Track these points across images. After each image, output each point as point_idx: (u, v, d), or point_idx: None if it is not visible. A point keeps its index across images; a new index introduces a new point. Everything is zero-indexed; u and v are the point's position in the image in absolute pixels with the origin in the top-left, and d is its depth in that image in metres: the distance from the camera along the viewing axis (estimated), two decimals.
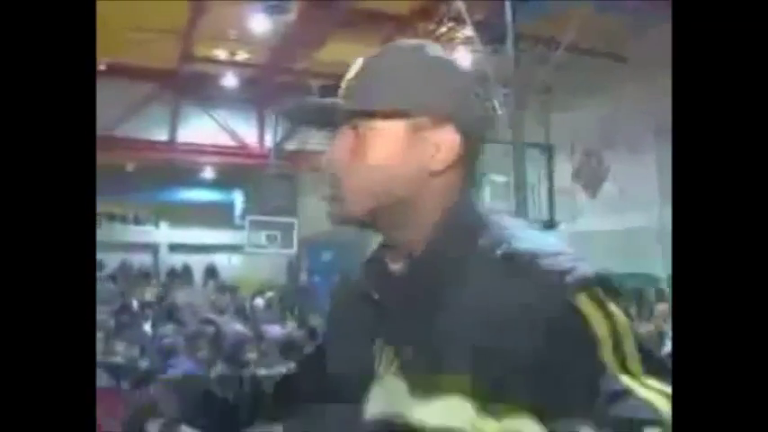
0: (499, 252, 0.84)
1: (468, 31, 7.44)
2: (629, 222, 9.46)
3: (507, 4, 6.29)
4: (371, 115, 0.88)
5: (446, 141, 0.87)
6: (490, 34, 6.82)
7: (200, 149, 12.11)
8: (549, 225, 7.34)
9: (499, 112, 6.33)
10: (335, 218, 0.96)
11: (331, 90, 0.96)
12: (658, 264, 8.91)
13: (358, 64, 0.92)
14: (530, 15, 7.15)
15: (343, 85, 0.93)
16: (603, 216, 9.79)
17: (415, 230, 0.91)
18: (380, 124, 0.88)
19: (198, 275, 15.67)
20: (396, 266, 0.95)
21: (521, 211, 6.22)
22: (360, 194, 0.90)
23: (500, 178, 6.86)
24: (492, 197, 7.65)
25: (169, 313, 8.24)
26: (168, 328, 5.30)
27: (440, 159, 0.87)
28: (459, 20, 7.94)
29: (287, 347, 4.15)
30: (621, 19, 8.33)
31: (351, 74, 0.92)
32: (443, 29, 9.07)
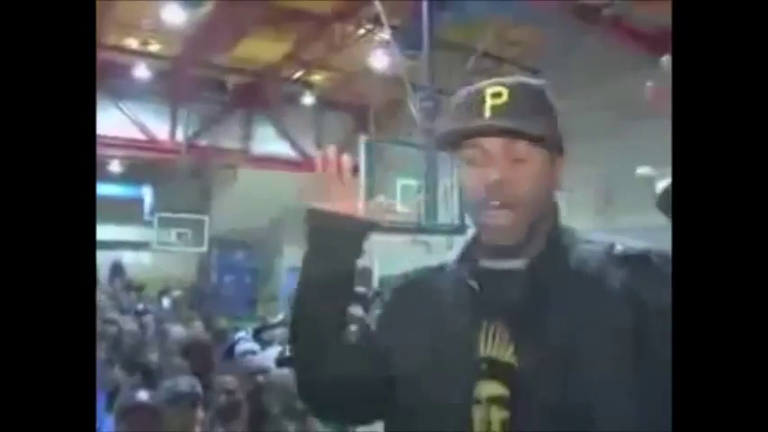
0: (618, 250, 1.02)
1: (385, 35, 7.46)
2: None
3: (425, 10, 6.35)
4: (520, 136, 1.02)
5: (561, 162, 1.07)
6: (407, 39, 6.86)
7: (108, 142, 11.65)
8: (460, 229, 7.44)
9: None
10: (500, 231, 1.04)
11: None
12: None
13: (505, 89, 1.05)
14: (447, 22, 7.25)
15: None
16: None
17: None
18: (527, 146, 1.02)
19: (103, 273, 15.09)
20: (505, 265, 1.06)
21: (430, 214, 6.29)
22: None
23: (411, 182, 6.91)
24: (402, 200, 7.70)
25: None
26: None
27: (560, 178, 1.07)
28: (377, 22, 7.96)
29: (189, 349, 4.03)
30: (537, 30, 8.56)
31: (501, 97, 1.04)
32: (362, 31, 9.08)
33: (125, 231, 15.04)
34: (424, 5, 6.44)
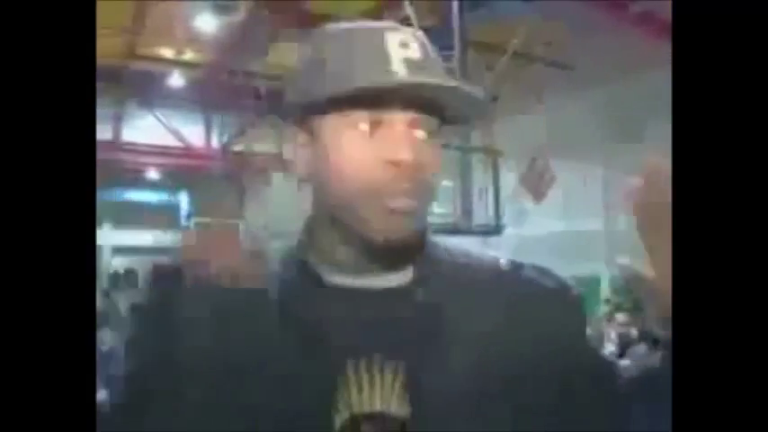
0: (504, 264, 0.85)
1: None
2: (574, 227, 9.65)
3: (455, 11, 6.34)
4: None
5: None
6: (438, 40, 6.87)
7: (144, 150, 11.86)
8: (496, 230, 7.42)
9: None
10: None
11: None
12: (602, 267, 9.12)
13: None
14: (478, 22, 7.23)
15: None
16: (549, 221, 9.96)
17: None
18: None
19: (142, 278, 15.34)
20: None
21: (466, 216, 6.28)
22: None
23: (446, 183, 6.91)
24: (439, 203, 7.70)
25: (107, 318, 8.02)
26: (106, 334, 5.15)
27: None
28: (407, 24, 7.96)
29: None
30: (568, 27, 8.50)
31: None
32: None
33: (163, 237, 15.29)
34: (455, 6, 6.45)
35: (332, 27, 0.83)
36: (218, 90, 11.19)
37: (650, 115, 8.67)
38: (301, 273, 0.81)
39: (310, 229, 0.86)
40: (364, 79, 0.72)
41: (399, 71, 0.73)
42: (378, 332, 0.75)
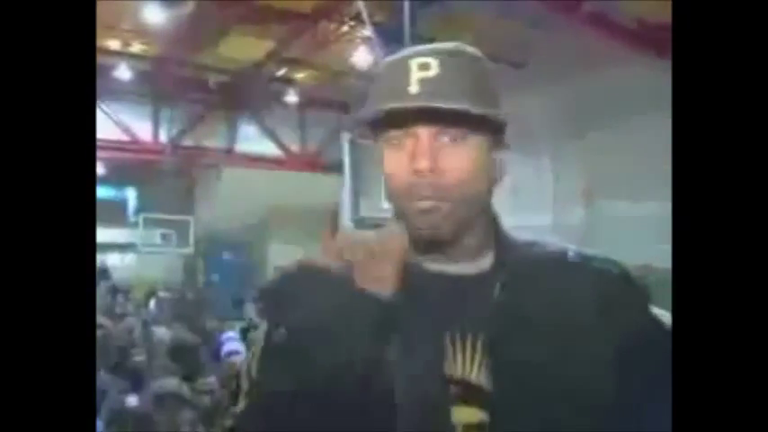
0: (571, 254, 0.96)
1: (367, 32, 7.45)
2: (524, 221, 9.78)
3: (406, 6, 6.34)
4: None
5: (502, 149, 0.98)
6: (389, 36, 6.86)
7: None
8: None
9: None
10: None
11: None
12: None
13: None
14: (429, 18, 7.24)
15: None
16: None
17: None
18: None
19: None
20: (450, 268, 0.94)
21: None
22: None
23: None
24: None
25: None
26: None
27: (500, 169, 0.98)
28: (359, 20, 7.94)
29: (176, 350, 4.01)
30: (521, 25, 8.59)
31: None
32: (345, 28, 9.06)
33: (109, 233, 14.95)
34: (406, 3, 6.44)
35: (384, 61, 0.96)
36: (166, 83, 10.98)
37: (601, 112, 8.84)
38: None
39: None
40: (383, 104, 0.87)
41: (414, 92, 0.86)
42: (464, 312, 0.90)
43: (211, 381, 3.14)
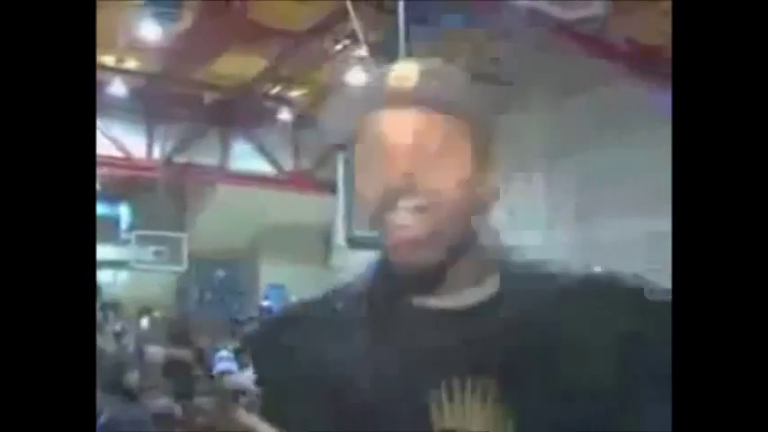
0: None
1: (362, 51, 7.49)
2: (517, 241, 9.78)
3: (401, 26, 6.39)
4: None
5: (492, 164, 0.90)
6: (384, 55, 6.90)
7: None
8: None
9: None
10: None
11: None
12: None
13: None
14: (423, 38, 7.29)
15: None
16: None
17: None
18: None
19: None
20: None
21: None
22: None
23: None
24: None
25: None
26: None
27: (493, 186, 0.89)
28: (354, 39, 7.98)
29: (169, 369, 3.98)
30: (514, 46, 8.65)
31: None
32: (339, 47, 9.10)
33: (101, 250, 14.87)
34: (401, 21, 6.48)
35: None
36: (160, 99, 11.00)
37: (593, 130, 8.89)
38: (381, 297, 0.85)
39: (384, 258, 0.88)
40: (362, 109, 0.81)
41: (392, 101, 0.79)
42: (461, 351, 0.78)
43: (205, 400, 3.12)
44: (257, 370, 0.94)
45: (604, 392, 0.75)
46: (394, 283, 0.83)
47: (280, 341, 0.89)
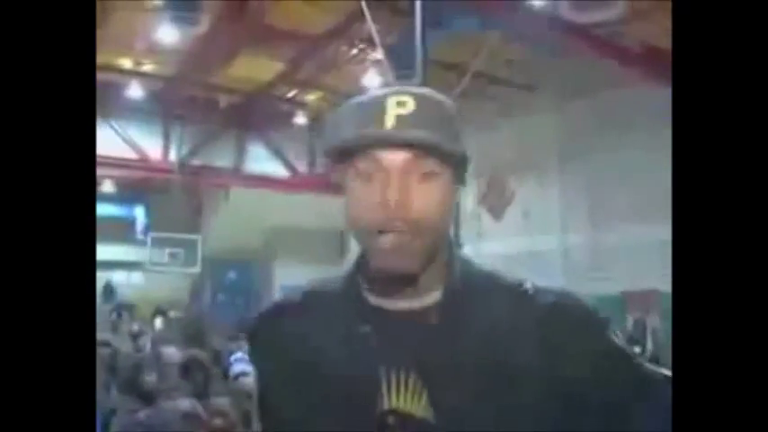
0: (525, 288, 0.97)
1: (378, 54, 7.51)
2: (532, 245, 9.76)
3: (417, 29, 6.39)
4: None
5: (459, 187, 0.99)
6: (400, 58, 6.91)
7: (100, 161, 11.64)
8: None
9: None
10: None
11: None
12: (560, 284, 9.21)
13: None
14: (440, 41, 7.29)
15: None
16: (508, 239, 10.06)
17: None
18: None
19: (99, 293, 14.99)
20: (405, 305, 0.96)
21: None
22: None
23: None
24: None
25: None
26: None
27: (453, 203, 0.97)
28: (370, 42, 8.00)
29: (186, 370, 4.00)
30: (529, 49, 8.64)
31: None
32: (354, 50, 9.13)
33: (117, 251, 14.98)
34: (417, 24, 6.49)
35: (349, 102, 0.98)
36: (177, 102, 11.06)
37: (604, 133, 8.85)
38: (352, 293, 0.99)
39: (358, 261, 1.01)
40: (361, 131, 0.89)
41: (390, 126, 0.88)
42: (405, 346, 0.92)
43: (223, 401, 3.13)
44: (258, 366, 1.08)
45: (516, 386, 0.89)
46: (368, 285, 0.97)
47: (269, 334, 1.05)
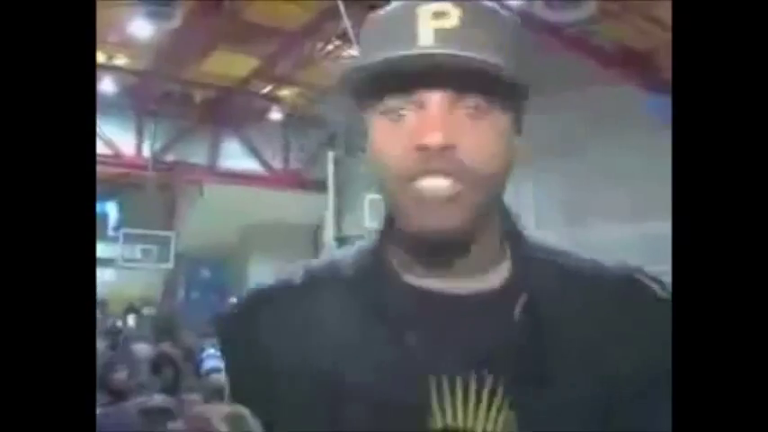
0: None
1: (353, 51, 7.51)
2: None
3: None
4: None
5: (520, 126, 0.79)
6: None
7: None
8: None
9: None
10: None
11: None
12: None
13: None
14: None
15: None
16: None
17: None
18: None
19: None
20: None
21: None
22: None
23: (378, 197, 6.96)
24: (370, 216, 7.74)
25: None
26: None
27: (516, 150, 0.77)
28: (345, 39, 8.00)
29: (156, 366, 3.97)
30: None
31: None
32: (330, 47, 9.12)
33: None
34: None
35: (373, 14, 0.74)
36: (150, 97, 10.96)
37: (586, 131, 8.92)
38: (379, 271, 0.75)
39: (384, 230, 0.78)
40: (389, 52, 0.66)
41: (426, 42, 0.66)
42: (465, 343, 0.69)
43: (194, 397, 3.12)
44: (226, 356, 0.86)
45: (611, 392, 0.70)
46: (402, 258, 0.74)
47: (247, 327, 0.81)
